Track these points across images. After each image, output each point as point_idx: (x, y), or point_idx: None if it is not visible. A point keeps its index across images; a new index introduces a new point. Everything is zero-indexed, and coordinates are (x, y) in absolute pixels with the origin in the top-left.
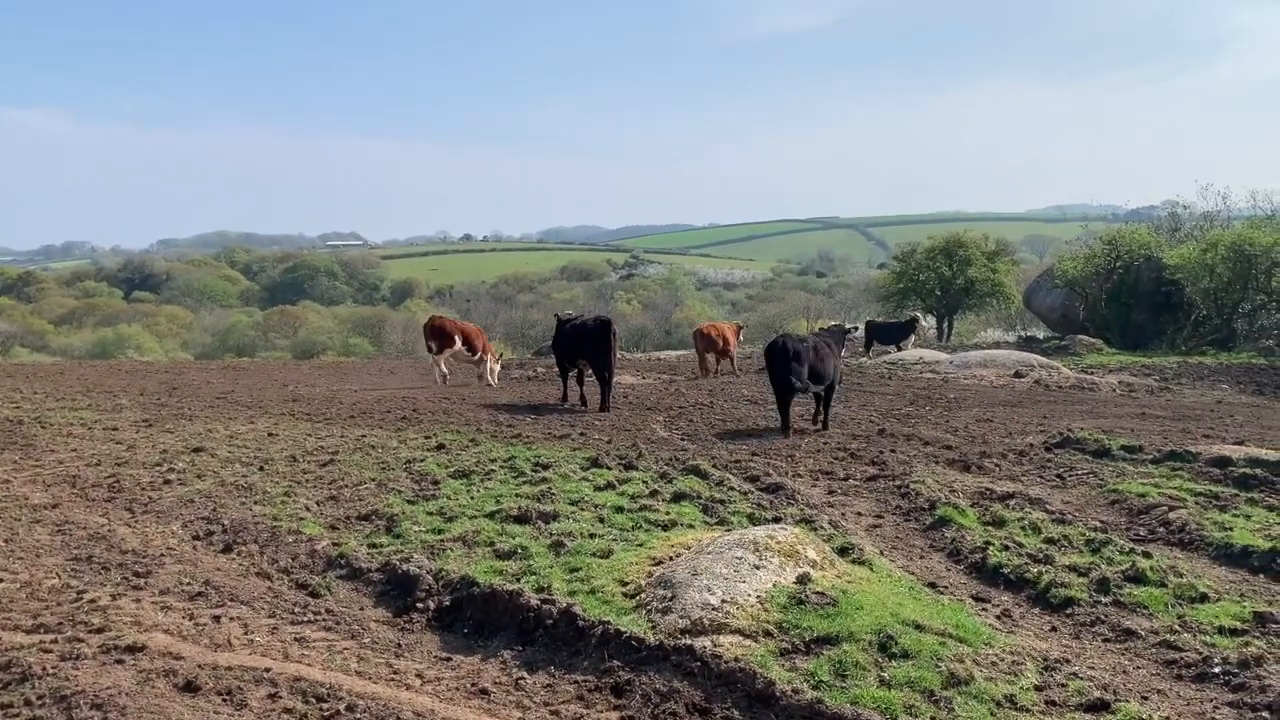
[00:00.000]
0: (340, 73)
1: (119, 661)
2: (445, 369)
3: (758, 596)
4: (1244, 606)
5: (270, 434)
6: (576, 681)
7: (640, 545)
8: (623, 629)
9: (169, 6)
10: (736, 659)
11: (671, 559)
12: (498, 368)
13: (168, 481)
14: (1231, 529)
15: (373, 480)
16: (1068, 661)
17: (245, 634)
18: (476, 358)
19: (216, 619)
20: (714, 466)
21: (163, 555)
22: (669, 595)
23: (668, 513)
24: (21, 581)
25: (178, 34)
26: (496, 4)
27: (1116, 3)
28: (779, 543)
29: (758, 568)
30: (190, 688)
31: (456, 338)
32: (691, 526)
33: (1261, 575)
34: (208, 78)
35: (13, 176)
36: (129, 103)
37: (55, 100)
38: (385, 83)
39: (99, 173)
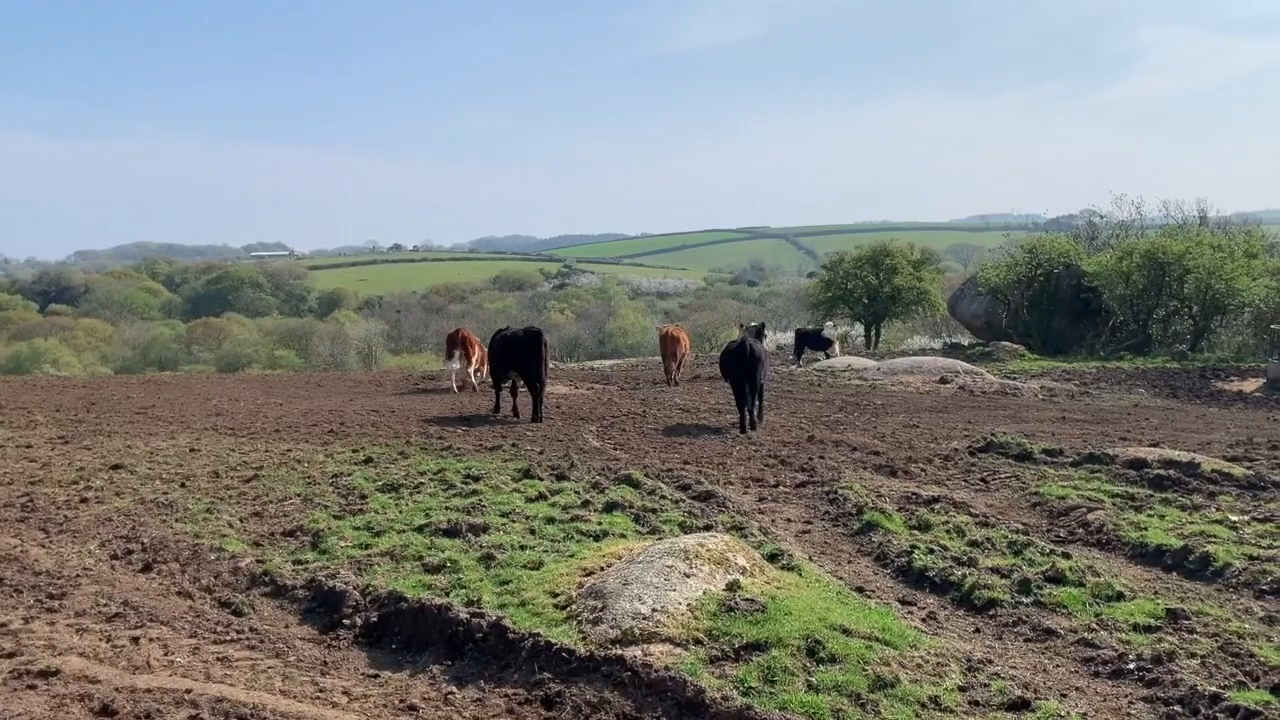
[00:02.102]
0: (264, 82)
1: (31, 687)
2: (460, 380)
3: (688, 604)
4: (1158, 604)
5: (192, 449)
6: (507, 695)
7: (571, 556)
8: (553, 641)
9: (74, 13)
10: (667, 668)
11: (603, 569)
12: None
13: (85, 500)
14: (1146, 529)
15: (298, 495)
16: (990, 662)
17: (165, 655)
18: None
19: (135, 640)
20: (646, 475)
21: (79, 576)
22: (600, 605)
23: (599, 523)
24: None
25: (86, 41)
26: (423, 13)
27: (1029, 20)
28: (709, 550)
29: (688, 576)
30: (107, 712)
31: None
32: (623, 536)
33: (1174, 573)
34: (121, 86)
35: None
36: (38, 111)
37: None
38: (311, 92)
39: (10, 182)
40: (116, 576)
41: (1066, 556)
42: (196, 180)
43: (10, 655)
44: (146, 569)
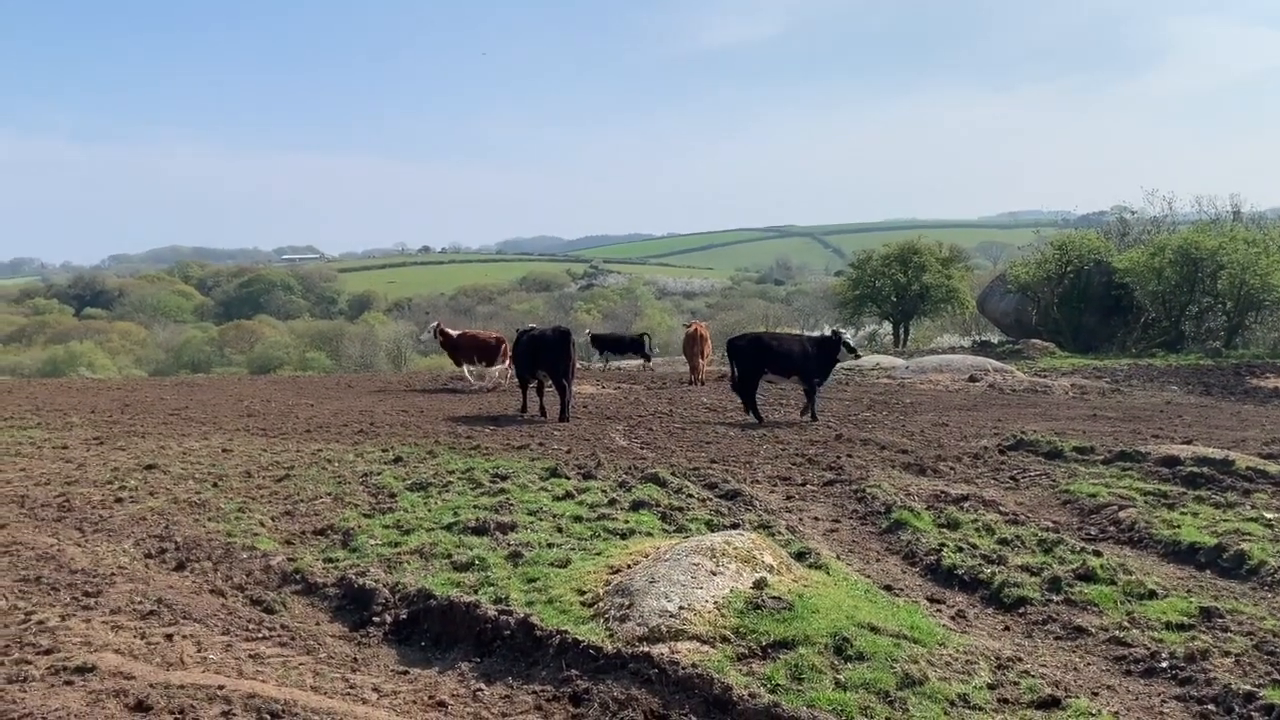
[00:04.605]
0: (293, 87)
1: (68, 683)
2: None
3: (715, 602)
4: (1191, 602)
5: (225, 450)
6: (534, 692)
7: (598, 554)
8: (580, 638)
9: (100, 21)
10: (694, 665)
11: (629, 567)
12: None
13: (119, 500)
14: (1179, 526)
15: (329, 494)
16: (1020, 660)
17: (198, 652)
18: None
19: (169, 637)
20: (673, 474)
21: (114, 574)
22: (627, 603)
23: (626, 521)
24: None
25: (118, 49)
26: (447, 17)
27: (1055, 14)
28: (736, 548)
29: (715, 574)
30: (141, 707)
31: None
32: (650, 534)
33: (1208, 571)
34: (153, 92)
35: None
36: (67, 119)
37: None
38: (339, 97)
39: (46, 189)
40: (151, 575)
41: (1097, 554)
42: (228, 184)
43: (48, 652)
44: (180, 567)
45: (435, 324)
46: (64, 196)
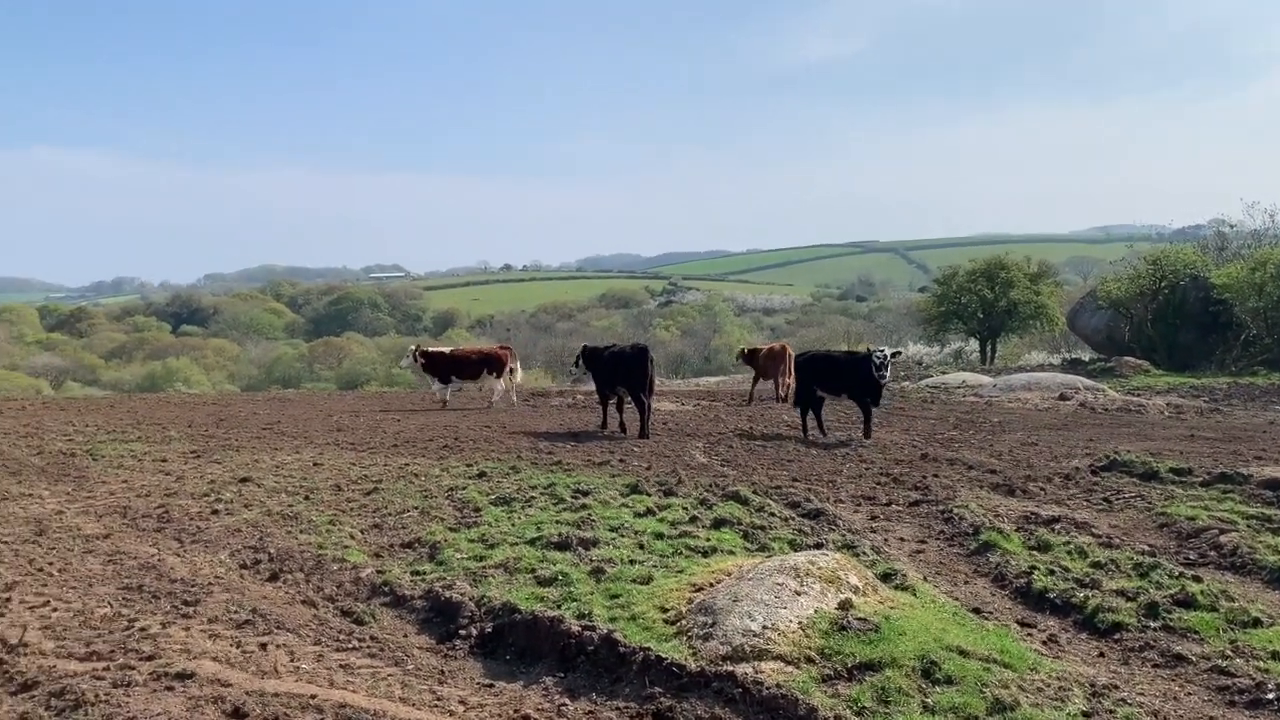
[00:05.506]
0: (380, 110)
1: (169, 688)
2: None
3: (799, 623)
4: None
5: (315, 464)
6: (618, 708)
7: (681, 572)
8: (664, 656)
9: (205, 51)
10: (778, 685)
11: (712, 585)
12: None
13: (215, 511)
14: None
15: (415, 508)
16: (1116, 687)
17: (291, 661)
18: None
19: (263, 646)
20: (754, 492)
21: (211, 584)
22: (710, 622)
23: (708, 539)
24: (75, 610)
25: (218, 76)
26: (530, 36)
27: (1152, 23)
28: (820, 568)
29: (799, 594)
30: (238, 714)
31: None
32: (732, 553)
33: None
34: (249, 117)
35: (66, 215)
36: (173, 143)
37: (102, 141)
38: (425, 117)
39: (147, 210)
40: (245, 585)
41: (1197, 580)
42: (319, 205)
43: (150, 658)
44: (273, 578)
45: (414, 348)
46: (163, 217)
